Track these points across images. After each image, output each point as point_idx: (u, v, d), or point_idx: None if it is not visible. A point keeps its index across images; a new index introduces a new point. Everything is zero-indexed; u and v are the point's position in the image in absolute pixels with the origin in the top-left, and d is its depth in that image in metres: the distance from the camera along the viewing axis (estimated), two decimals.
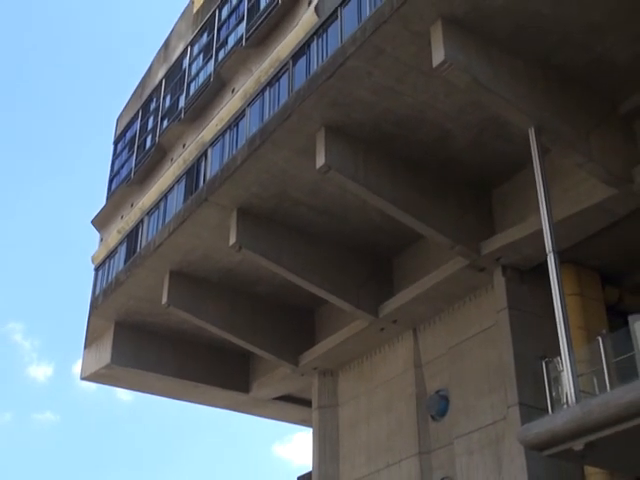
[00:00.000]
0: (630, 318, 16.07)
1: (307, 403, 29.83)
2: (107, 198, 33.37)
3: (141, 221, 28.84)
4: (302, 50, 21.93)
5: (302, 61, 21.81)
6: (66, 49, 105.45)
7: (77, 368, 35.68)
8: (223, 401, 32.32)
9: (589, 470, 19.40)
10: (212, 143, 25.41)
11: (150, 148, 30.81)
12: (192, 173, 26.10)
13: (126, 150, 33.41)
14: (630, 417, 13.99)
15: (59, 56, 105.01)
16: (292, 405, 32.31)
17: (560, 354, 16.24)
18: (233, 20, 27.45)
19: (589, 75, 18.59)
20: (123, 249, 29.59)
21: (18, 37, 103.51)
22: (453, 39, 17.09)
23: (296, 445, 79.48)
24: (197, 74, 29.03)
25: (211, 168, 24.83)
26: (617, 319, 21.04)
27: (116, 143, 34.84)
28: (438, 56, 17.03)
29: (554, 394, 16.28)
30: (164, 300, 26.18)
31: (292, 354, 27.62)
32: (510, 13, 17.07)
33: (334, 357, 27.16)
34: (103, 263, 31.09)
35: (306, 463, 31.80)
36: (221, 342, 28.43)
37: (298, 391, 30.82)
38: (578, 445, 14.85)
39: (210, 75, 27.57)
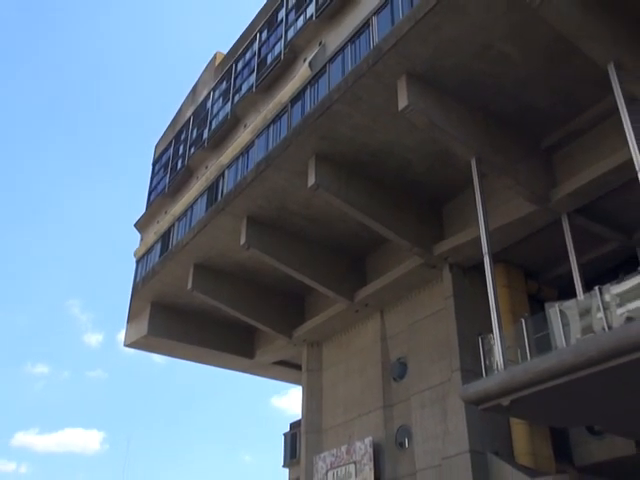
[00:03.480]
0: (546, 305, 16.03)
1: (298, 367, 29.74)
2: (146, 207, 33.17)
3: (172, 225, 28.69)
4: (298, 96, 21.91)
5: (298, 104, 21.79)
6: (118, 98, 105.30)
7: (121, 337, 35.49)
8: (233, 364, 32.13)
9: (514, 421, 19.57)
10: (228, 166, 25.33)
11: (180, 169, 30.67)
12: (212, 189, 26.00)
13: (162, 170, 33.25)
14: (544, 380, 14.01)
15: (115, 103, 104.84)
16: (287, 368, 32.15)
17: (492, 331, 16.30)
18: (246, 72, 27.37)
19: (518, 118, 18.68)
20: (158, 247, 29.41)
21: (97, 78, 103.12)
22: (414, 89, 17.17)
23: (291, 398, 79.52)
24: (217, 113, 28.91)
25: (227, 185, 24.77)
26: (536, 305, 21.15)
27: (154, 164, 34.65)
28: (403, 102, 17.12)
29: (487, 362, 16.20)
30: (189, 286, 26.08)
31: (287, 329, 27.56)
32: (458, 71, 17.18)
33: (320, 332, 27.13)
34: (142, 257, 30.92)
35: (298, 412, 31.65)
36: (233, 319, 28.31)
37: (291, 358, 30.68)
38: (505, 401, 14.84)
39: (228, 114, 27.48)
